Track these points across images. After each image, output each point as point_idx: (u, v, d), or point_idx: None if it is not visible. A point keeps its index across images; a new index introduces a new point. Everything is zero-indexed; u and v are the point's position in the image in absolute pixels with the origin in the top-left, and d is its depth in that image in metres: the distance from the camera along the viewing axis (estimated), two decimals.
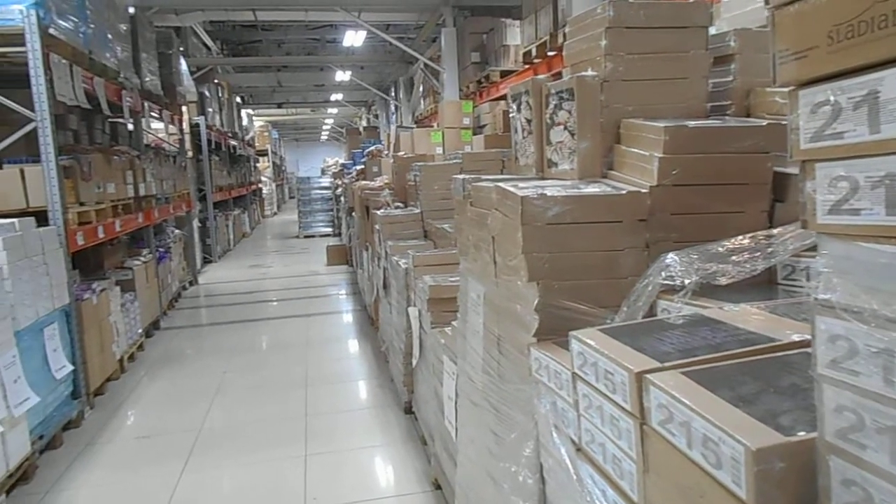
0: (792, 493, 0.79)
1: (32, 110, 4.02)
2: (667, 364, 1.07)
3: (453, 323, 2.81)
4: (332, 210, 14.79)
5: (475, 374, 2.14)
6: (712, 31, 1.97)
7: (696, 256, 1.54)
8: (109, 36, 5.38)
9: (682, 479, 0.94)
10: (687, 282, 1.49)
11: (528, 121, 2.27)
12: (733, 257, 1.55)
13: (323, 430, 3.93)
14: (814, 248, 1.50)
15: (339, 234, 12.71)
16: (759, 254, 1.55)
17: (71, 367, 4.03)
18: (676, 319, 1.38)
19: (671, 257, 1.53)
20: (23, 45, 3.94)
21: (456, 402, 2.55)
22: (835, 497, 0.75)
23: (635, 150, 1.79)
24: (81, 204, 4.57)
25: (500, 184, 1.86)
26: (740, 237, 1.59)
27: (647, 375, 1.03)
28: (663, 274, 1.53)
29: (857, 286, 0.71)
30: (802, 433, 0.80)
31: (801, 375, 0.97)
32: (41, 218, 4.00)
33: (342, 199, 11.12)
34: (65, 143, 5.20)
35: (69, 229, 4.23)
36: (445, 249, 4.15)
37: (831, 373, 0.75)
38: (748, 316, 1.32)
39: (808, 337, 1.13)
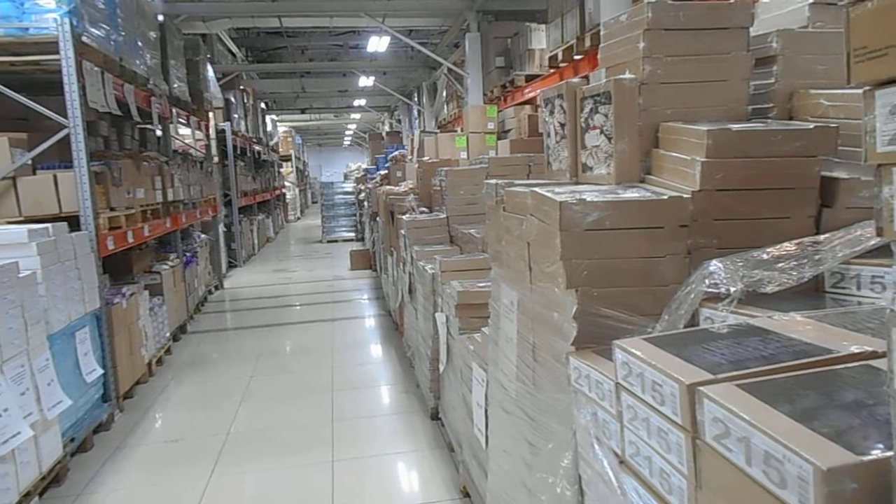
0: None
1: (65, 117, 4.08)
2: (720, 376, 1.03)
3: (483, 329, 2.78)
4: (355, 215, 14.84)
5: (508, 382, 2.10)
6: (753, 32, 1.92)
7: (740, 263, 1.49)
8: (139, 43, 5.45)
9: (739, 498, 0.90)
10: (732, 290, 1.45)
11: (562, 125, 2.24)
12: (779, 264, 1.50)
13: (349, 435, 3.92)
14: (864, 255, 1.45)
15: (363, 239, 12.75)
16: (806, 261, 1.50)
17: (101, 371, 4.07)
18: (722, 328, 1.34)
19: (715, 264, 1.49)
20: (56, 52, 4.00)
21: (486, 410, 2.52)
22: None
23: (676, 155, 1.75)
24: (112, 209, 4.63)
25: (536, 189, 1.83)
26: (786, 244, 1.54)
27: (701, 388, 0.99)
28: (707, 281, 1.49)
29: None
30: (876, 452, 0.75)
31: (865, 390, 0.93)
32: (73, 223, 4.05)
33: (365, 203, 11.15)
34: (96, 149, 5.27)
35: (100, 234, 4.28)
36: (472, 255, 4.12)
37: None
38: (799, 325, 1.27)
39: (868, 349, 1.08)
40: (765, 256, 1.52)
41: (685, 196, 1.65)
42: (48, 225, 3.65)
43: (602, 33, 2.23)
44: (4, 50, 4.02)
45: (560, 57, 6.47)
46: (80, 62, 4.09)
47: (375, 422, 4.17)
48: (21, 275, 3.16)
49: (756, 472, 0.85)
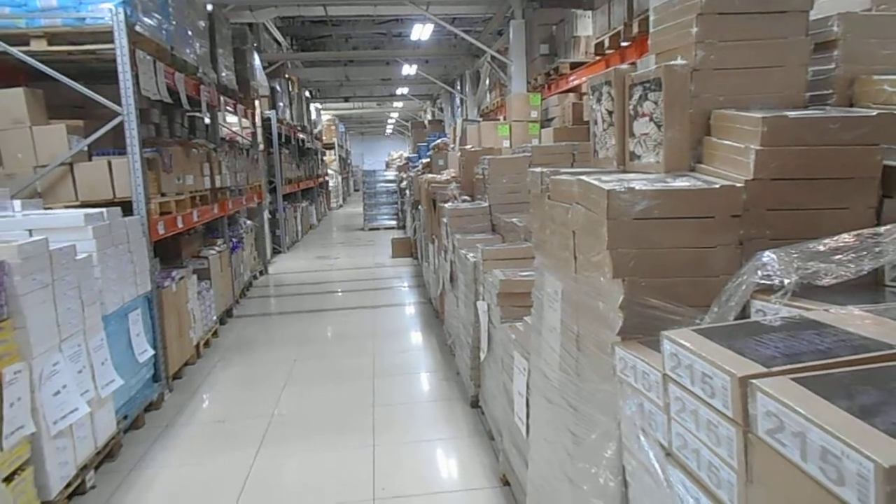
0: None
1: (119, 105, 4.20)
2: (774, 369, 1.01)
3: (525, 318, 2.77)
4: (396, 203, 14.92)
5: (550, 372, 2.10)
6: (813, 15, 1.85)
7: (795, 255, 1.45)
8: (189, 32, 5.56)
9: (793, 494, 0.88)
10: (786, 281, 1.41)
11: (610, 112, 2.20)
12: (836, 256, 1.45)
13: (389, 420, 3.96)
14: None
15: (404, 227, 12.81)
16: (865, 253, 1.45)
17: (152, 352, 4.20)
18: (775, 321, 1.30)
19: (768, 255, 1.45)
20: (111, 42, 4.11)
21: (527, 399, 2.52)
22: None
23: (728, 143, 1.71)
24: (162, 195, 4.75)
25: (583, 177, 1.81)
26: (844, 235, 1.49)
27: (754, 381, 0.97)
28: (759, 273, 1.45)
29: None
30: None
31: None
32: (125, 208, 4.18)
33: (407, 192, 11.20)
34: (147, 137, 5.41)
35: (151, 219, 4.40)
36: (515, 243, 4.11)
37: None
38: (857, 319, 1.23)
39: None
40: (821, 248, 1.47)
41: (738, 185, 1.61)
42: (103, 210, 3.78)
43: (652, 18, 2.18)
44: (63, 39, 4.15)
45: (606, 44, 6.36)
46: (134, 51, 4.20)
47: (416, 408, 4.21)
48: (78, 257, 3.28)
49: (812, 469, 0.83)
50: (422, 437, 3.75)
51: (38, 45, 4.11)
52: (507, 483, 3.07)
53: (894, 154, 1.60)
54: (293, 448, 3.64)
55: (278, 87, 11.83)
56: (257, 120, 9.54)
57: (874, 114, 1.57)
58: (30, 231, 3.28)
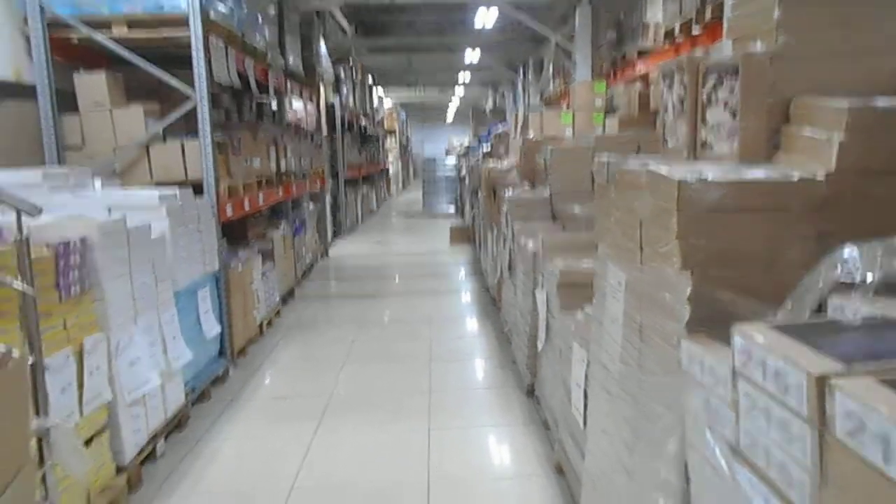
0: None
1: (192, 89, 4.34)
2: (855, 368, 0.97)
3: (585, 308, 2.74)
4: (455, 190, 14.94)
5: (611, 363, 2.07)
6: None
7: (880, 251, 1.38)
8: (259, 19, 5.69)
9: (873, 497, 0.85)
10: (868, 279, 1.34)
11: (681, 100, 2.14)
12: None
13: (445, 405, 4.00)
14: None
15: (462, 215, 12.83)
16: None
17: (219, 328, 4.36)
18: (856, 320, 1.25)
19: (850, 250, 1.38)
20: (186, 28, 4.25)
21: (585, 390, 2.49)
22: None
23: (809, 133, 1.64)
24: (231, 177, 4.90)
25: (652, 166, 1.77)
26: None
27: (833, 380, 0.94)
28: (839, 268, 1.38)
29: None
30: None
31: None
32: (196, 189, 4.33)
33: (466, 179, 11.20)
34: (218, 120, 5.58)
35: (220, 200, 4.55)
36: (575, 233, 4.05)
37: None
38: None
39: None
40: None
41: (818, 177, 1.54)
42: (176, 190, 3.92)
43: (730, 2, 2.10)
44: (142, 25, 4.32)
45: (677, 30, 6.17)
46: (207, 37, 4.33)
47: (471, 394, 4.24)
48: (153, 235, 3.43)
49: (895, 472, 0.80)
50: (476, 423, 3.77)
51: (119, 31, 4.29)
52: (561, 472, 3.06)
53: None
54: (351, 427, 3.72)
55: (342, 74, 11.99)
56: (322, 106, 9.70)
57: None
58: (109, 209, 3.45)
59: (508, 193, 5.29)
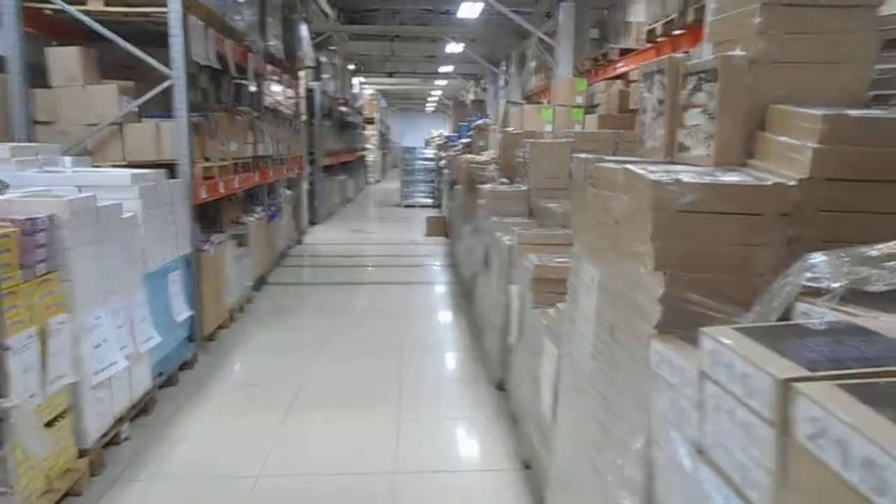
0: None
1: (169, 68, 4.26)
2: (818, 374, 0.98)
3: (557, 304, 2.75)
4: (433, 181, 14.92)
5: (582, 360, 2.09)
6: (884, 12, 1.78)
7: (846, 258, 1.41)
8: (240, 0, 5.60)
9: (830, 501, 0.86)
10: (834, 285, 1.37)
11: (660, 101, 2.15)
12: (890, 263, 1.40)
13: (415, 396, 4.00)
14: None
15: (439, 206, 12.82)
16: None
17: (189, 313, 4.30)
18: (820, 325, 1.27)
19: (818, 257, 1.41)
20: (165, 5, 4.16)
21: (555, 386, 2.51)
22: None
23: (784, 139, 1.66)
24: (206, 160, 4.83)
25: (629, 166, 1.78)
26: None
27: (796, 384, 0.95)
28: (807, 274, 1.41)
29: None
30: None
31: None
32: (170, 171, 4.26)
33: (445, 171, 11.18)
34: (195, 101, 5.49)
35: (195, 183, 4.48)
36: (551, 229, 4.07)
37: None
38: None
39: None
40: (874, 253, 1.42)
41: (790, 183, 1.56)
42: (149, 170, 3.85)
43: (711, 6, 2.12)
44: (119, 0, 4.21)
45: (659, 31, 6.22)
46: (187, 16, 4.25)
47: (442, 386, 4.25)
48: (124, 216, 3.36)
49: (853, 477, 0.82)
50: (446, 415, 3.78)
51: (95, 5, 4.18)
52: (528, 466, 3.08)
53: None
54: (320, 416, 3.71)
55: (323, 59, 11.87)
56: (301, 91, 9.59)
57: None
58: (79, 187, 3.37)
59: (486, 187, 5.30)
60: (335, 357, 4.72)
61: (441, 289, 7.04)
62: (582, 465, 2.01)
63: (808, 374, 0.99)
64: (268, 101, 7.35)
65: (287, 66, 7.83)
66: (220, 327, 5.12)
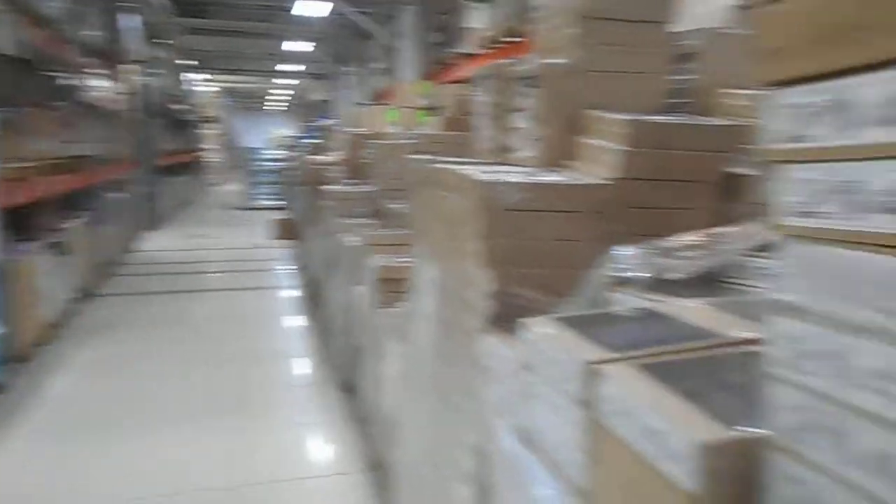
0: (736, 488, 0.81)
1: None
2: (617, 355, 1.08)
3: (401, 304, 2.79)
4: (278, 182, 14.48)
5: (422, 358, 2.13)
6: (680, 28, 1.99)
7: (648, 251, 1.56)
8: None
9: (628, 472, 0.95)
10: (639, 276, 1.51)
11: (491, 105, 2.25)
12: (684, 253, 1.57)
13: (262, 404, 3.87)
14: (763, 248, 1.54)
15: (285, 208, 12.47)
16: (708, 251, 1.58)
17: (2, 330, 3.83)
18: (628, 312, 1.40)
19: (623, 250, 1.55)
20: None
21: (399, 386, 2.54)
22: (777, 493, 0.77)
23: (597, 142, 1.80)
24: (16, 160, 4.33)
25: (460, 167, 1.84)
26: (692, 234, 1.62)
27: (598, 366, 1.04)
28: (616, 266, 1.54)
29: (813, 289, 0.72)
30: (749, 429, 0.81)
31: (746, 372, 0.99)
32: None
33: (292, 172, 10.90)
34: (1, 95, 4.90)
35: (3, 185, 4.00)
36: (396, 230, 4.11)
37: (781, 372, 0.77)
38: (696, 312, 1.34)
39: (755, 335, 1.16)
40: (671, 245, 1.59)
41: (604, 182, 1.70)
42: None
43: (536, 17, 2.25)
44: None
45: (497, 38, 6.50)
46: None
47: (289, 392, 4.14)
48: None
49: (643, 447, 0.90)
50: (293, 422, 3.69)
51: None
52: (376, 468, 3.09)
53: (740, 162, 1.76)
54: (152, 435, 3.46)
55: (156, 53, 11.10)
56: (130, 86, 8.90)
57: (721, 123, 1.71)
58: None
59: (332, 188, 5.24)
60: (174, 370, 4.43)
61: (288, 293, 6.86)
62: (423, 461, 2.05)
63: (612, 356, 1.08)
64: (88, 96, 6.74)
65: (111, 58, 7.23)
66: (38, 344, 4.61)
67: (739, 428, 0.84)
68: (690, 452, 0.81)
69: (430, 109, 7.85)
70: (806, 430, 0.74)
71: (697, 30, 2.05)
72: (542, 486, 1.25)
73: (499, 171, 1.78)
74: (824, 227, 0.69)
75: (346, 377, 4.03)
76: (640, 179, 1.69)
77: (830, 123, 0.68)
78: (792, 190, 0.73)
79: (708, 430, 0.83)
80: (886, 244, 0.62)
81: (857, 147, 0.64)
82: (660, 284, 1.53)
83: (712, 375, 1.01)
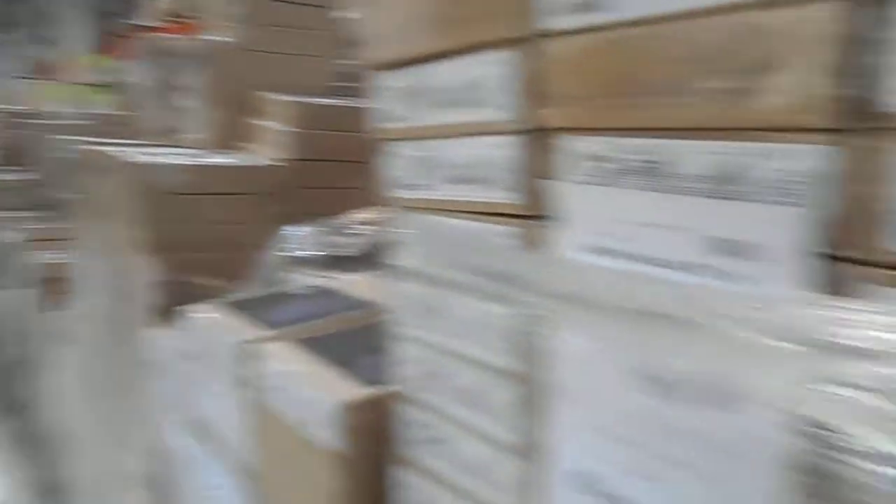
0: (379, 440, 0.88)
1: None
2: (276, 332, 1.10)
3: (69, 305, 2.48)
4: None
5: (91, 361, 1.92)
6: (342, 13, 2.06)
7: (320, 230, 1.61)
8: None
9: (286, 445, 0.98)
10: (312, 254, 1.55)
11: (157, 83, 2.10)
12: (355, 230, 1.66)
13: None
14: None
15: None
16: (379, 227, 1.69)
17: None
18: (298, 290, 1.43)
19: (295, 230, 1.58)
20: None
21: (74, 395, 2.27)
22: (413, 439, 0.86)
23: (266, 124, 1.79)
24: None
25: (120, 149, 1.69)
26: (362, 212, 1.71)
27: (255, 345, 1.04)
28: (289, 246, 1.56)
29: (421, 253, 0.82)
30: (387, 386, 0.89)
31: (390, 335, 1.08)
32: None
33: None
34: None
35: None
36: (63, 222, 3.63)
37: (404, 330, 0.86)
38: (361, 285, 1.42)
39: None
40: (342, 223, 1.66)
41: (275, 164, 1.70)
42: None
43: None
44: None
45: (176, 12, 6.05)
46: None
47: None
48: None
49: (296, 417, 0.94)
50: None
51: None
52: (52, 491, 2.72)
53: None
54: None
55: None
56: None
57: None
58: None
59: None
60: None
61: None
62: (102, 474, 1.86)
63: (270, 334, 1.10)
64: None
65: None
66: None
67: (378, 386, 0.91)
68: (333, 413, 0.87)
69: (104, 86, 7.02)
70: (424, 379, 0.84)
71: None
72: (215, 476, 1.22)
73: (161, 153, 1.67)
74: (421, 197, 0.78)
75: (13, 395, 3.46)
76: (310, 160, 1.72)
77: (419, 105, 0.77)
78: (398, 165, 0.82)
79: (349, 391, 0.89)
80: (462, 209, 0.73)
81: (436, 126, 0.74)
82: (333, 262, 1.60)
83: (364, 342, 1.08)
